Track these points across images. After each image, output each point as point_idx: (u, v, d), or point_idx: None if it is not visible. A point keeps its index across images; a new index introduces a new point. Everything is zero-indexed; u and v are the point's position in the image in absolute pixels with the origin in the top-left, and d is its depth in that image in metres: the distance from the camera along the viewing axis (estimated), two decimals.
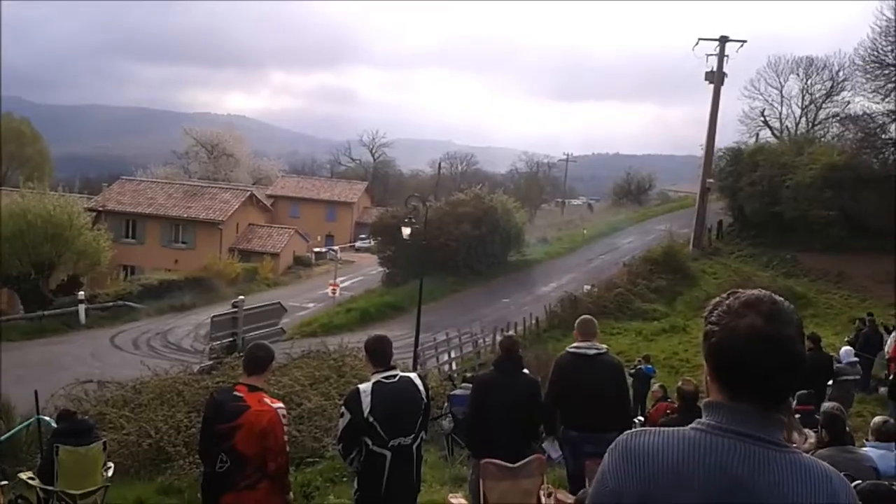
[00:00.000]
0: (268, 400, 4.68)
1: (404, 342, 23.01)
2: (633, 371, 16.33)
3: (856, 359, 14.78)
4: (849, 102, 43.06)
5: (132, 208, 48.60)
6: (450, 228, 37.72)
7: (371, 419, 4.65)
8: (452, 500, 7.05)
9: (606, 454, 1.81)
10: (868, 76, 36.72)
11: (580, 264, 42.58)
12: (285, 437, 4.69)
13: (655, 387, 14.09)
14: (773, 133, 48.53)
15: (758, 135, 48.49)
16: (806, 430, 6.34)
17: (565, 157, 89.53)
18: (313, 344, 15.86)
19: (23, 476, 7.90)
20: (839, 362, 13.82)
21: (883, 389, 15.72)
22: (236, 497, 4.59)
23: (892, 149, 35.92)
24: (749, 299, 1.73)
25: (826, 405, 6.72)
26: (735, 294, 1.78)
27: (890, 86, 35.06)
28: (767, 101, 48.72)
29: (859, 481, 4.33)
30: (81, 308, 32.54)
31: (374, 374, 4.88)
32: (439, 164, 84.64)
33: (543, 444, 7.35)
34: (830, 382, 12.93)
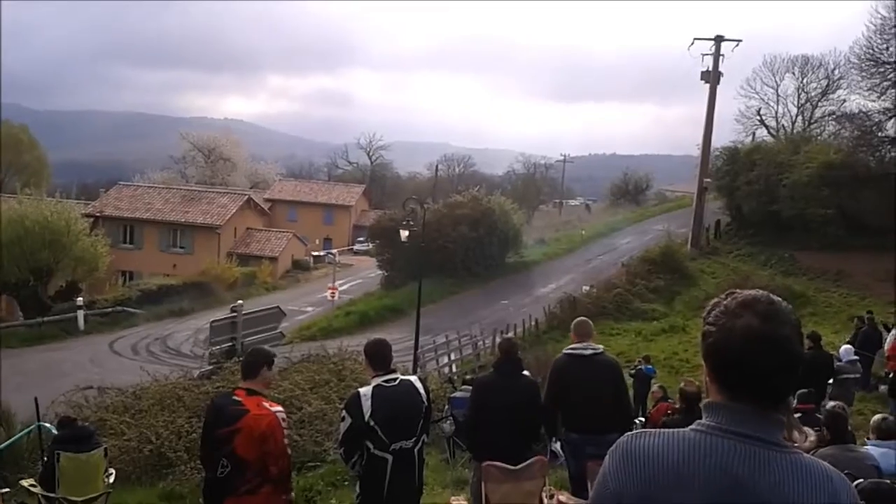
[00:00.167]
0: (266, 404, 4.68)
1: (404, 345, 23.00)
2: (633, 372, 16.33)
3: (856, 357, 14.78)
4: (845, 100, 43.07)
5: (130, 214, 48.57)
6: (448, 230, 37.72)
7: (372, 423, 4.65)
8: (454, 503, 7.06)
9: (607, 456, 1.82)
10: (864, 74, 36.73)
11: (578, 265, 42.59)
12: (285, 441, 4.69)
13: (655, 387, 14.09)
14: (769, 132, 48.59)
15: (754, 134, 48.58)
16: (806, 429, 6.35)
17: (562, 157, 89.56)
18: (313, 348, 15.84)
19: (24, 483, 7.90)
20: (839, 361, 13.82)
21: (883, 387, 15.73)
22: (237, 502, 4.58)
23: (889, 146, 35.92)
24: (746, 299, 1.74)
25: (829, 404, 6.73)
26: (732, 294, 1.79)
27: (886, 83, 35.08)
28: (763, 100, 48.83)
29: (861, 480, 4.34)
30: (80, 314, 32.52)
31: (374, 377, 4.88)
32: (436, 166, 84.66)
33: (552, 448, 7.36)
34: (831, 381, 12.94)
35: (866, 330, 17.71)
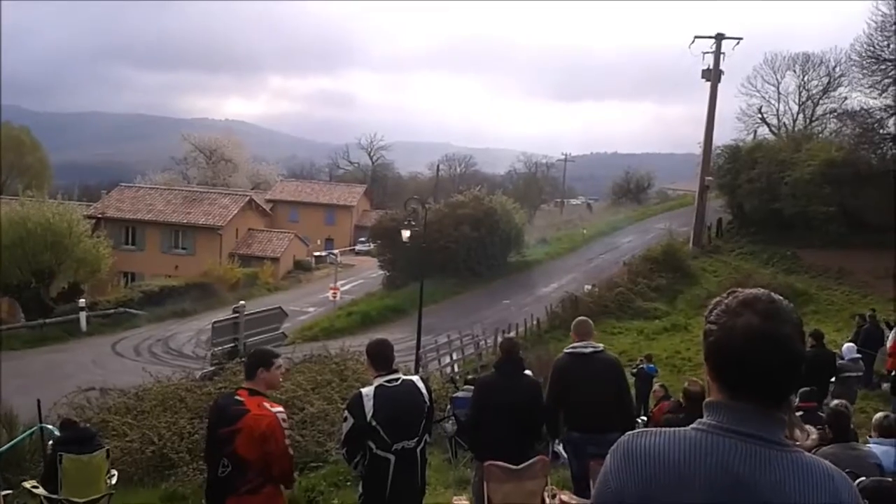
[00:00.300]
0: (267, 404, 4.68)
1: (406, 345, 23.03)
2: (635, 370, 16.32)
3: (858, 355, 14.77)
4: (846, 98, 43.00)
5: (131, 215, 48.64)
6: (449, 230, 37.73)
7: (374, 423, 4.66)
8: (456, 503, 7.06)
9: (608, 455, 1.82)
10: (865, 71, 36.66)
11: (580, 264, 42.59)
12: (287, 442, 4.68)
13: (657, 386, 14.07)
14: (770, 130, 48.49)
15: (755, 132, 48.45)
16: (808, 428, 6.34)
17: (564, 157, 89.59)
18: (315, 348, 15.83)
19: (27, 485, 7.92)
20: (842, 359, 13.81)
21: (885, 385, 15.74)
22: (238, 501, 4.58)
23: (891, 144, 35.84)
24: (747, 298, 1.74)
25: (833, 402, 6.72)
26: (734, 293, 1.79)
27: (887, 81, 35.01)
28: (764, 97, 48.71)
29: (863, 478, 4.34)
30: (82, 315, 32.56)
31: (376, 377, 4.89)
32: (438, 166, 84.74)
33: (556, 449, 7.35)
34: (833, 379, 12.92)
35: (868, 328, 17.69)
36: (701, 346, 1.82)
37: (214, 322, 16.40)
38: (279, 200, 66.91)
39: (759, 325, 1.67)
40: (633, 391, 11.15)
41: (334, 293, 36.32)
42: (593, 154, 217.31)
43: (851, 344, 15.53)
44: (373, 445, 4.70)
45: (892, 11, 34.00)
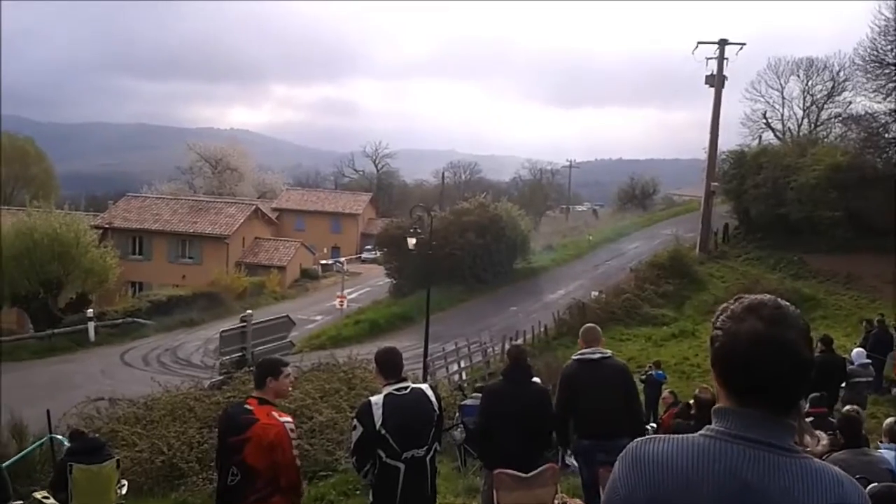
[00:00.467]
0: (276, 414, 4.70)
1: (413, 353, 23.00)
2: (643, 377, 16.27)
3: (868, 361, 14.69)
4: (850, 102, 43.02)
5: (138, 225, 48.72)
6: (455, 238, 37.74)
7: (383, 431, 4.66)
8: None
9: (617, 462, 1.82)
10: (869, 76, 36.66)
11: (587, 271, 42.55)
12: (294, 452, 4.69)
13: (666, 393, 14.03)
14: (775, 135, 48.45)
15: (760, 137, 48.42)
16: (818, 433, 6.33)
17: (569, 163, 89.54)
18: (322, 357, 15.86)
19: (37, 496, 7.95)
20: (852, 364, 13.75)
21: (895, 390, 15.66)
22: None
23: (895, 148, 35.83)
24: (752, 303, 1.74)
25: (845, 408, 6.71)
26: (740, 299, 1.79)
27: (891, 85, 34.97)
28: (769, 103, 48.68)
29: (875, 484, 4.33)
30: (90, 326, 32.65)
31: (385, 386, 4.89)
32: (443, 173, 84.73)
33: (567, 460, 7.33)
34: (843, 385, 12.87)
35: (877, 332, 17.59)
36: (709, 352, 1.82)
37: (222, 331, 16.45)
38: (285, 209, 66.98)
39: (764, 330, 1.68)
40: (642, 398, 11.11)
41: (341, 301, 36.31)
42: (598, 160, 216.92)
43: (861, 349, 15.44)
44: (382, 454, 4.70)
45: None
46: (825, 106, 46.30)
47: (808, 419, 7.47)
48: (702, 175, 43.28)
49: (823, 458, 4.75)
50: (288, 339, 17.39)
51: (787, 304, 1.76)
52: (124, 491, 8.10)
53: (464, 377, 22.29)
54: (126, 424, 11.45)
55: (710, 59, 39.45)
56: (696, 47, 39.58)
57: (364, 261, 60.22)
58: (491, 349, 25.38)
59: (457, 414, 11.71)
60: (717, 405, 1.79)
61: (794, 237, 36.80)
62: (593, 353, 6.48)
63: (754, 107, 48.67)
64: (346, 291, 38.14)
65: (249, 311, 17.67)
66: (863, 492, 1.73)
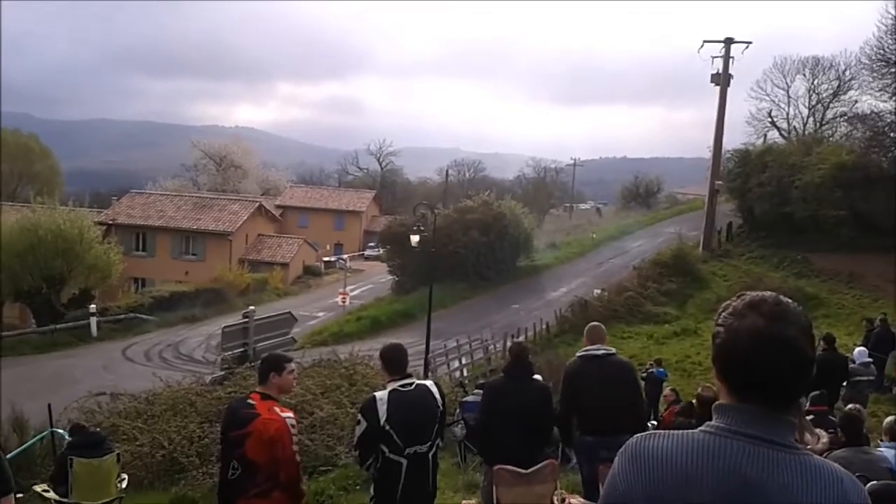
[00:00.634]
0: (277, 409, 4.71)
1: (415, 349, 22.92)
2: (645, 375, 16.27)
3: (869, 359, 14.68)
4: (856, 101, 42.87)
5: (142, 221, 48.83)
6: (458, 235, 37.72)
7: (387, 427, 4.68)
8: None
9: (617, 457, 1.82)
10: (875, 75, 36.57)
11: (590, 268, 42.52)
12: (294, 448, 4.70)
13: (667, 390, 14.04)
14: (780, 134, 48.37)
15: (765, 136, 48.34)
16: (819, 431, 6.32)
17: (573, 161, 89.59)
18: (324, 353, 15.89)
19: (37, 489, 7.96)
20: (853, 363, 13.74)
21: None
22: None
23: None
24: (753, 300, 1.73)
25: (847, 406, 6.70)
26: (742, 296, 1.78)
27: None
28: (774, 101, 48.59)
29: (874, 482, 4.31)
30: (93, 321, 32.69)
31: (389, 382, 4.91)
32: (447, 171, 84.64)
33: (568, 455, 7.30)
34: (844, 383, 12.85)
35: (879, 331, 17.59)
36: (711, 349, 1.81)
37: (225, 327, 16.49)
38: (289, 206, 67.10)
39: (764, 326, 1.67)
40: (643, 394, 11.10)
41: (343, 298, 36.33)
42: (602, 158, 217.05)
43: (863, 348, 15.42)
44: (385, 449, 4.71)
45: None
46: (831, 105, 46.20)
47: (809, 417, 7.46)
48: (706, 174, 43.25)
49: (824, 455, 4.73)
50: (290, 336, 17.43)
51: (789, 300, 1.75)
52: (124, 485, 8.12)
53: (465, 374, 22.31)
54: (127, 419, 11.48)
55: (716, 57, 39.43)
56: (702, 46, 39.55)
57: (367, 258, 60.33)
58: (492, 346, 25.38)
59: (457, 410, 11.73)
60: (718, 402, 1.78)
61: (798, 236, 36.73)
62: (598, 350, 6.46)
63: (760, 105, 48.67)
64: (348, 288, 38.16)
65: (252, 308, 17.66)
66: (862, 489, 1.72)
